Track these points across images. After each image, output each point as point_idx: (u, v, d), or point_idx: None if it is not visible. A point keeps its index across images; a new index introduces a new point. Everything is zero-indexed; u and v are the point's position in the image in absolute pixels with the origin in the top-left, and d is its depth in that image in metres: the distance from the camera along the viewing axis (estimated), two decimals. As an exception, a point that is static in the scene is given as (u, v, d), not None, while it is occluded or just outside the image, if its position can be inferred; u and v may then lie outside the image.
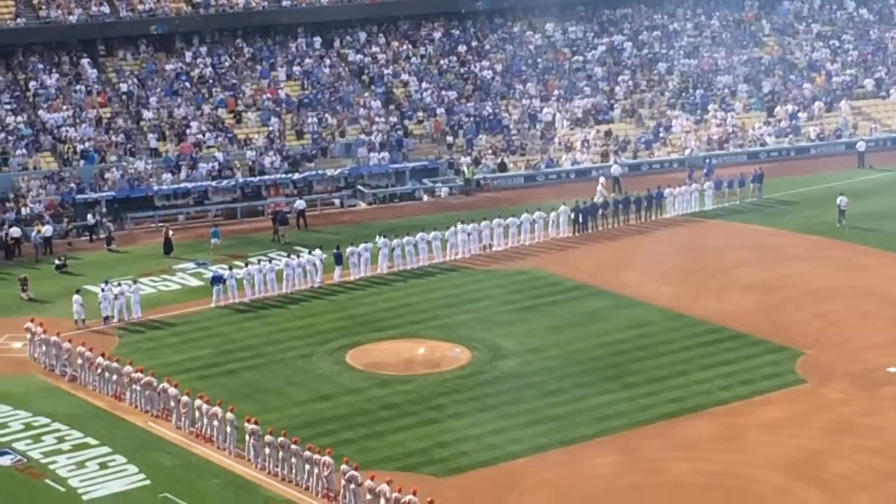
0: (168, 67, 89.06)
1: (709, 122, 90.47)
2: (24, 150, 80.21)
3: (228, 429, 45.71)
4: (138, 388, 49.67)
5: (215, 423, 46.21)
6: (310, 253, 65.07)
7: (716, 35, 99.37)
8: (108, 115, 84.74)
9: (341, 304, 61.54)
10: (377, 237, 66.20)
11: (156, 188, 78.72)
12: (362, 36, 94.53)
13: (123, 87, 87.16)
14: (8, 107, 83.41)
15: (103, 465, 44.93)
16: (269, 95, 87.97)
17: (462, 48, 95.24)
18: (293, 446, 43.43)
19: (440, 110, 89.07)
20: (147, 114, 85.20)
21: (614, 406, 48.66)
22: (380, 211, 79.04)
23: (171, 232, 71.84)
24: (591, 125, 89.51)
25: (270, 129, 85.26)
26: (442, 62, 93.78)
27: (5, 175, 78.53)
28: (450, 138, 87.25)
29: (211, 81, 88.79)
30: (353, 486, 41.06)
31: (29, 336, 55.63)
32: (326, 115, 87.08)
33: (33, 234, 71.74)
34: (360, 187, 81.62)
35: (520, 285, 63.22)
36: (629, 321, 57.54)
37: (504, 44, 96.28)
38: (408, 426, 47.54)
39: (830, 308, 58.61)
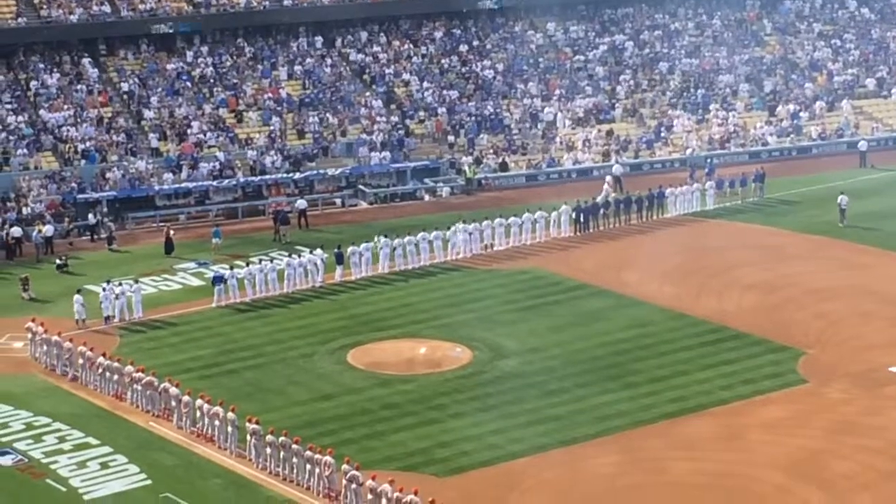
0: (169, 67, 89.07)
1: (710, 122, 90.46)
2: (25, 150, 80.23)
3: (230, 428, 45.70)
4: (139, 387, 49.67)
5: (216, 422, 46.20)
6: (311, 252, 65.07)
7: (717, 34, 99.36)
8: (109, 114, 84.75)
9: (342, 304, 61.53)
10: (377, 238, 66.12)
11: (157, 188, 78.72)
12: (363, 35, 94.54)
13: (124, 86, 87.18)
14: (9, 106, 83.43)
15: (104, 465, 44.92)
16: (270, 95, 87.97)
17: (463, 48, 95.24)
18: (294, 446, 43.41)
19: (441, 110, 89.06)
20: (148, 113, 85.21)
21: (615, 406, 48.64)
22: (381, 210, 79.03)
23: (172, 232, 71.84)
24: (593, 125, 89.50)
25: (272, 128, 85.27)
26: (443, 62, 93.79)
27: (6, 175, 78.56)
28: (451, 138, 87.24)
29: (212, 81, 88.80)
30: (354, 485, 41.04)
31: (30, 336, 55.62)
32: (328, 115, 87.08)
33: (34, 233, 71.74)
34: (361, 187, 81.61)
35: (521, 285, 63.20)
36: (630, 321, 57.53)
37: (505, 43, 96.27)
38: (409, 426, 47.52)
39: (832, 308, 58.58)
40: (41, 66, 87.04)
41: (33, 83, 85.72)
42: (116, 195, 77.64)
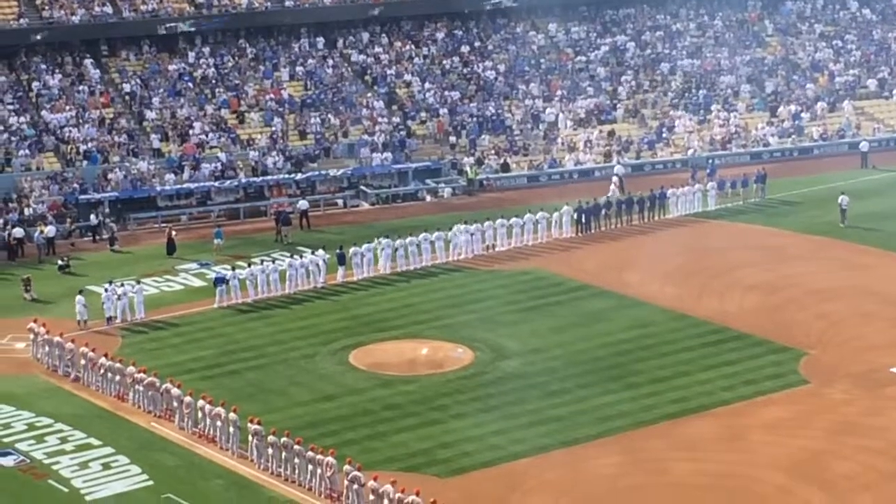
0: (171, 68, 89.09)
1: (712, 123, 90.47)
2: (27, 151, 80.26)
3: (231, 429, 45.73)
4: (141, 388, 49.69)
5: (218, 423, 46.23)
6: (313, 253, 65.09)
7: (719, 35, 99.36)
8: (111, 115, 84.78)
9: (344, 305, 61.55)
10: (377, 239, 66.11)
11: (159, 189, 78.75)
12: (365, 36, 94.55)
13: (126, 87, 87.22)
14: (11, 107, 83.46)
15: (106, 466, 44.94)
16: (272, 96, 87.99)
17: (465, 48, 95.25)
18: (296, 447, 43.43)
19: (443, 111, 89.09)
20: (150, 114, 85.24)
21: (617, 406, 48.66)
22: (383, 211, 79.04)
23: (174, 232, 71.88)
24: (594, 125, 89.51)
25: (273, 129, 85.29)
26: (445, 62, 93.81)
27: (8, 175, 78.59)
28: (453, 139, 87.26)
29: (214, 82, 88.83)
30: (356, 486, 41.07)
31: (32, 336, 55.65)
32: (329, 116, 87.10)
33: (36, 234, 71.76)
34: (362, 188, 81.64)
35: (523, 286, 63.22)
36: (632, 321, 57.54)
37: (507, 44, 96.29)
38: (411, 426, 47.54)
39: (833, 308, 58.59)
40: (43, 66, 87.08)
41: (35, 84, 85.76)
42: (118, 196, 77.69)
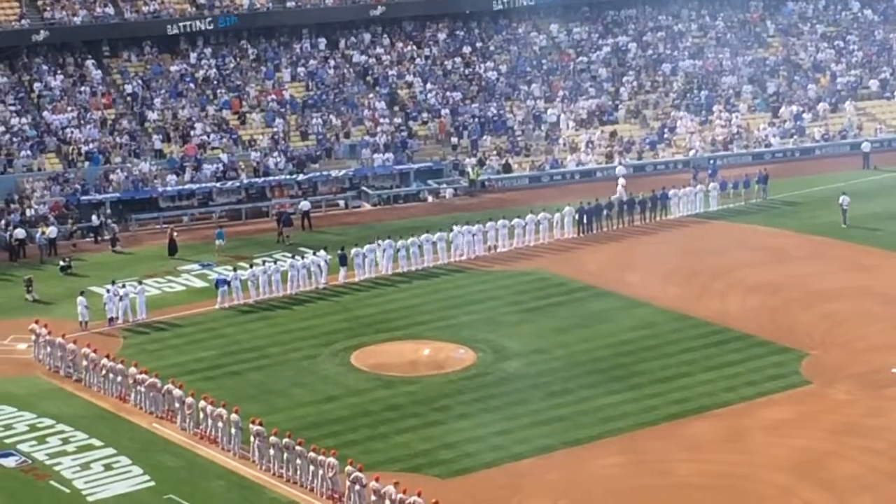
0: (173, 69, 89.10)
1: (713, 123, 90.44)
2: (28, 152, 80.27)
3: (233, 430, 45.73)
4: (143, 389, 49.70)
5: (220, 424, 46.23)
6: (314, 254, 65.10)
7: (720, 36, 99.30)
8: (113, 116, 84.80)
9: (346, 306, 61.55)
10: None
11: (160, 189, 78.76)
12: (367, 37, 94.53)
13: (128, 88, 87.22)
14: (13, 108, 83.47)
15: (108, 467, 44.96)
16: (273, 96, 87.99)
17: (467, 49, 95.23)
18: (298, 447, 43.43)
19: (445, 111, 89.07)
20: (152, 115, 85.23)
21: (619, 407, 48.64)
22: (384, 212, 79.05)
23: (175, 233, 71.90)
24: (596, 126, 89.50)
25: (275, 130, 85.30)
26: (446, 63, 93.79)
27: (10, 176, 78.60)
28: (454, 139, 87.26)
29: (215, 83, 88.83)
30: (357, 487, 41.07)
31: (34, 337, 55.65)
32: (331, 117, 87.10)
33: (38, 235, 71.78)
34: (364, 188, 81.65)
35: (524, 286, 63.21)
36: (634, 322, 57.53)
37: (509, 45, 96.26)
38: (412, 427, 47.54)
39: (835, 309, 58.57)
40: (45, 67, 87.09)
41: (37, 85, 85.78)
42: (120, 197, 77.73)
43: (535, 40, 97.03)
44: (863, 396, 49.26)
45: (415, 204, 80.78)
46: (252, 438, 44.93)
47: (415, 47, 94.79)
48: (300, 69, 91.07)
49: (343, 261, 64.86)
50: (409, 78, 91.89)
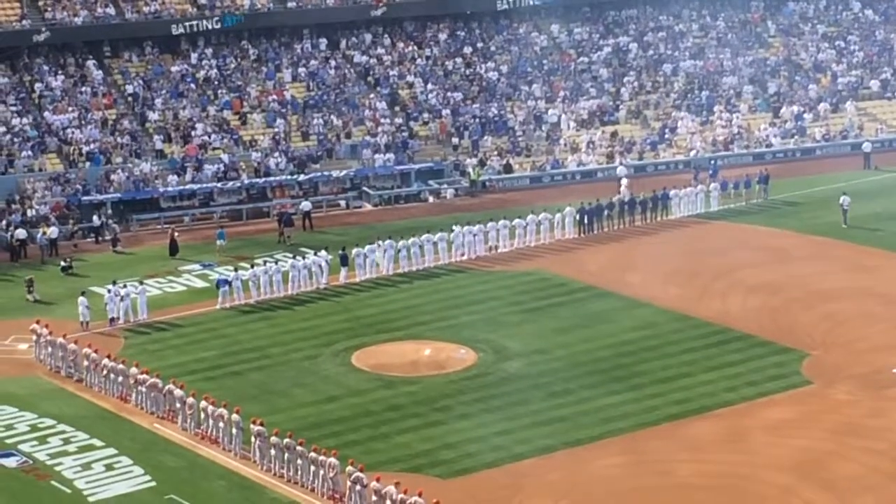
0: (173, 69, 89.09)
1: (714, 124, 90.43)
2: (29, 152, 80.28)
3: (234, 430, 45.74)
4: (144, 389, 49.72)
5: (221, 424, 46.24)
6: (315, 254, 65.11)
7: (721, 36, 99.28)
8: (114, 116, 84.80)
9: (347, 306, 61.56)
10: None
11: (161, 190, 78.78)
12: (368, 37, 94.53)
13: (129, 88, 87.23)
14: (14, 108, 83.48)
15: (109, 467, 44.97)
16: (274, 97, 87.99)
17: (467, 49, 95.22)
18: (299, 448, 43.44)
19: (446, 112, 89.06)
20: (152, 115, 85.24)
21: (620, 407, 48.65)
22: (385, 212, 79.05)
23: (176, 233, 71.92)
24: (597, 126, 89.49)
25: (276, 130, 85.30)
26: (447, 63, 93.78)
27: (11, 177, 78.61)
28: (455, 140, 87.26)
29: (216, 83, 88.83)
30: (358, 487, 41.08)
31: (35, 338, 55.67)
32: (332, 117, 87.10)
33: (39, 235, 71.80)
34: (365, 189, 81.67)
35: (525, 286, 63.21)
36: (635, 322, 57.53)
37: (509, 45, 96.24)
38: (413, 427, 47.55)
39: (836, 309, 58.57)
40: (46, 68, 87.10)
41: (38, 85, 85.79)
42: (121, 197, 77.76)
43: (536, 40, 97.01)
44: (864, 397, 49.26)
45: (416, 204, 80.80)
46: (253, 439, 44.94)
47: (416, 47, 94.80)
48: (301, 69, 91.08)
49: (344, 261, 64.88)
50: (409, 78, 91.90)
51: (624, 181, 77.98)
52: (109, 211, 76.74)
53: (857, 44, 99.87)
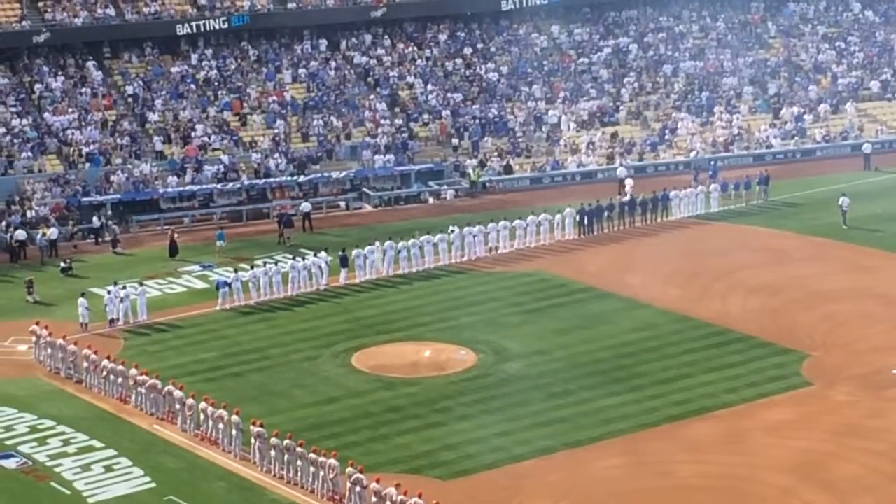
0: (173, 70, 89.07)
1: (714, 124, 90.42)
2: (29, 153, 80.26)
3: (234, 431, 45.72)
4: (143, 390, 49.70)
5: (221, 425, 46.23)
6: (315, 255, 65.10)
7: (721, 37, 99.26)
8: (114, 117, 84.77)
9: (346, 307, 61.55)
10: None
11: (161, 191, 78.76)
12: (368, 38, 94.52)
13: (129, 89, 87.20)
14: (13, 109, 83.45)
15: (109, 468, 44.95)
16: (274, 98, 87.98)
17: (468, 50, 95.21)
18: (299, 449, 43.43)
19: (446, 112, 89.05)
20: (152, 116, 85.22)
21: (620, 408, 48.64)
22: (385, 213, 79.03)
23: (176, 234, 71.91)
24: (597, 127, 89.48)
25: (276, 131, 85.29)
26: (447, 64, 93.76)
27: (10, 178, 78.58)
28: (455, 141, 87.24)
29: (216, 84, 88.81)
30: (358, 488, 41.07)
31: (34, 339, 55.65)
32: (332, 118, 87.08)
33: (38, 236, 71.80)
34: (365, 190, 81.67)
35: (525, 287, 63.21)
36: (635, 323, 57.52)
37: (509, 46, 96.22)
38: (413, 429, 47.54)
39: (836, 310, 58.56)
40: (45, 69, 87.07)
41: (38, 86, 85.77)
42: (121, 198, 77.75)
43: (536, 41, 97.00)
44: (864, 398, 49.26)
45: (416, 205, 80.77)
46: (253, 440, 44.93)
47: (416, 48, 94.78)
48: (301, 70, 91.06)
49: (344, 262, 64.86)
50: (409, 79, 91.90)
51: (629, 181, 78.05)
52: (109, 212, 76.73)
53: (857, 45, 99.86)
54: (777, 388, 50.05)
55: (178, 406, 48.16)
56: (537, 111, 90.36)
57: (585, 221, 71.85)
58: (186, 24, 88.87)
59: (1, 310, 63.04)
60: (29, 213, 75.24)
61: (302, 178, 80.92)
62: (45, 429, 48.30)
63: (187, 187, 79.45)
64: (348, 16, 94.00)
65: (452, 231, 68.03)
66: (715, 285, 62.50)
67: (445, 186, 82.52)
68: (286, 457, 43.76)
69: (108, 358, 52.07)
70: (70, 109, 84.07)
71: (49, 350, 54.63)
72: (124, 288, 60.59)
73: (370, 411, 49.18)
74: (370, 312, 60.49)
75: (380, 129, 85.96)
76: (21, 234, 71.73)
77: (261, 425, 45.06)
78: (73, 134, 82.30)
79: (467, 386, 51.34)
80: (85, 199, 77.17)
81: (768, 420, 47.43)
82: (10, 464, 45.57)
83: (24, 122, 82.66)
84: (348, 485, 41.44)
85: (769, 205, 76.98)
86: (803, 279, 62.81)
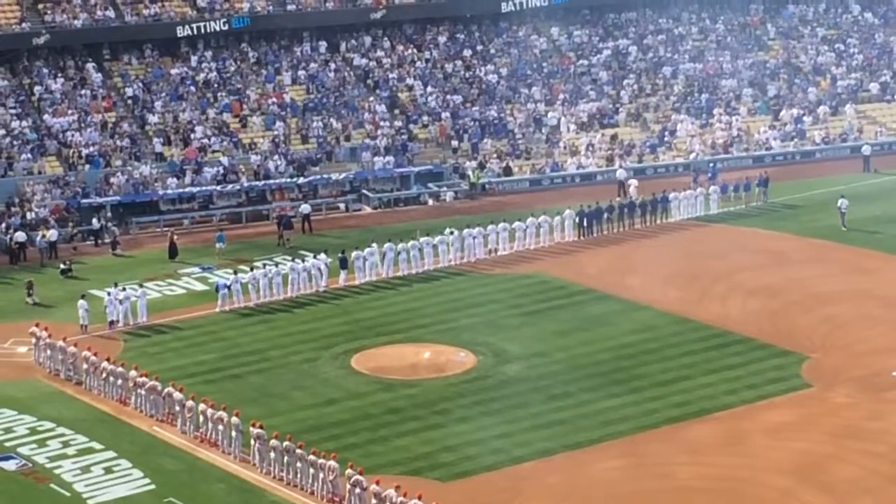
0: (173, 72, 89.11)
1: (714, 126, 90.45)
2: (29, 155, 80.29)
3: (233, 433, 45.72)
4: (143, 392, 49.69)
5: (220, 427, 46.22)
6: (315, 257, 65.11)
7: (721, 39, 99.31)
8: (114, 119, 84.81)
9: (346, 309, 61.55)
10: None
11: (161, 192, 78.78)
12: (367, 40, 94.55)
13: (128, 91, 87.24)
14: (13, 111, 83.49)
15: (108, 470, 44.95)
16: (274, 100, 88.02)
17: (467, 52, 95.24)
18: (298, 451, 43.44)
19: (445, 114, 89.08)
20: (152, 118, 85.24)
21: (620, 410, 48.63)
22: (385, 215, 79.03)
23: (176, 236, 71.90)
24: (597, 129, 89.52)
25: (275, 133, 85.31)
26: (447, 66, 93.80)
27: (10, 179, 78.62)
28: (455, 142, 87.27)
29: (216, 86, 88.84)
30: (358, 490, 41.07)
31: (34, 340, 55.64)
32: (331, 120, 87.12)
33: (38, 238, 71.81)
34: (365, 191, 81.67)
35: (525, 289, 63.21)
36: (634, 325, 57.52)
37: (509, 48, 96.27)
38: (413, 430, 47.54)
39: (836, 312, 58.57)
40: (45, 70, 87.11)
41: (37, 88, 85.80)
42: (120, 200, 77.77)
43: (536, 43, 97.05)
44: (863, 399, 49.25)
45: (415, 207, 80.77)
46: (252, 442, 44.93)
47: (415, 50, 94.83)
48: (301, 72, 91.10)
49: (343, 264, 64.87)
50: (409, 81, 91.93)
51: (633, 182, 78.10)
52: (109, 214, 76.75)
53: (856, 47, 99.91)
54: (776, 390, 50.04)
55: (177, 408, 48.16)
56: (537, 113, 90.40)
57: (585, 223, 71.86)
58: (186, 26, 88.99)
59: (1, 311, 63.05)
60: (29, 215, 75.26)
61: (301, 180, 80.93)
62: (45, 430, 48.30)
63: (187, 189, 79.47)
64: (348, 18, 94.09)
65: (452, 233, 68.04)
66: (714, 287, 62.51)
67: (445, 188, 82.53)
68: (286, 458, 43.76)
69: (108, 360, 52.07)
70: (70, 111, 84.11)
71: (49, 352, 54.63)
72: (124, 290, 60.62)
73: (370, 413, 49.18)
74: (370, 314, 60.50)
75: (379, 131, 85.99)
76: (21, 236, 71.72)
77: (260, 427, 45.07)
78: (72, 136, 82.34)
79: (467, 388, 51.34)
80: (85, 200, 77.19)
81: (768, 422, 47.42)
82: (10, 465, 45.57)
83: (24, 123, 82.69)
84: (348, 486, 41.44)
85: (768, 207, 77.00)
86: (803, 281, 62.83)
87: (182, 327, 59.58)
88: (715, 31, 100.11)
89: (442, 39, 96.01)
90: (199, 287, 65.40)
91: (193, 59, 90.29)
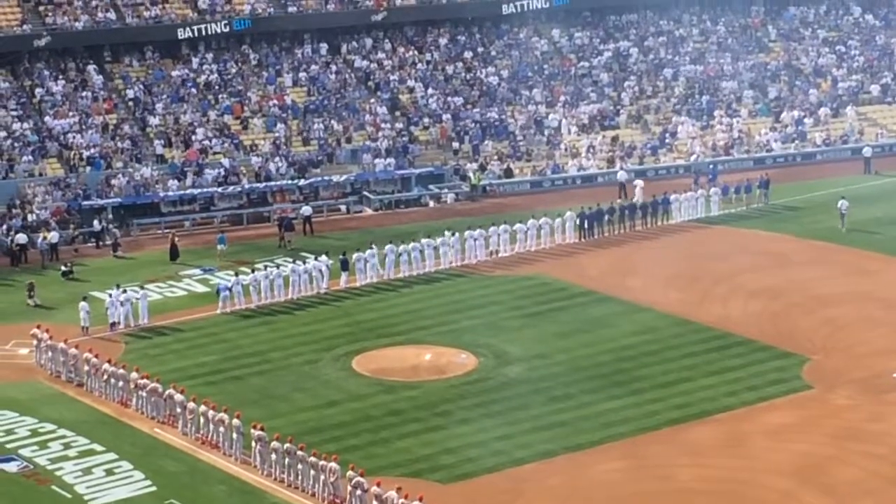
0: (174, 74, 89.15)
1: (714, 128, 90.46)
2: (30, 157, 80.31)
3: (234, 435, 45.73)
4: (144, 394, 49.72)
5: (221, 429, 46.24)
6: (316, 259, 65.12)
7: (721, 41, 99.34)
8: (114, 121, 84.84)
9: (347, 310, 61.56)
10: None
11: (162, 194, 78.79)
12: (368, 42, 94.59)
13: (129, 93, 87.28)
14: (14, 113, 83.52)
15: (109, 472, 44.96)
16: (275, 101, 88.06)
17: (468, 54, 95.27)
18: (299, 452, 43.45)
19: (446, 116, 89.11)
20: (153, 120, 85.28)
21: (620, 412, 48.63)
22: (386, 217, 79.04)
23: (177, 238, 71.89)
24: (597, 131, 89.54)
25: (276, 135, 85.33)
26: (448, 68, 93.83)
27: (11, 181, 78.63)
28: (455, 144, 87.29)
29: (217, 88, 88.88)
30: (359, 492, 41.08)
31: (35, 342, 55.67)
32: (332, 122, 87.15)
33: (39, 240, 71.83)
34: (366, 193, 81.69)
35: (526, 291, 63.22)
36: (635, 327, 57.53)
37: (510, 50, 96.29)
38: (414, 432, 47.54)
39: (837, 314, 58.57)
40: (46, 72, 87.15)
41: (38, 90, 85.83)
42: (121, 202, 77.79)
43: (537, 45, 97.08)
44: (864, 401, 49.26)
45: (416, 209, 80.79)
46: (253, 443, 44.94)
47: (416, 52, 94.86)
48: (302, 74, 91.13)
49: (344, 265, 64.88)
50: (410, 83, 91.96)
51: (638, 183, 78.17)
52: (110, 216, 76.76)
53: (857, 48, 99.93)
54: (777, 392, 50.05)
55: (178, 409, 48.18)
56: (538, 115, 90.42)
57: (586, 225, 71.86)
58: (187, 28, 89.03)
59: (2, 313, 63.08)
60: (30, 217, 75.28)
61: (302, 182, 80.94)
62: (46, 432, 48.31)
63: (188, 191, 79.48)
64: (349, 20, 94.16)
65: (453, 235, 68.04)
66: (715, 289, 62.53)
67: (446, 190, 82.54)
68: (287, 460, 43.78)
69: (109, 361, 52.09)
70: (71, 113, 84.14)
71: (50, 353, 54.66)
72: (125, 291, 60.65)
73: (371, 415, 49.20)
74: (371, 316, 60.51)
75: (380, 133, 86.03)
76: (22, 238, 71.77)
77: (261, 429, 45.08)
78: (73, 138, 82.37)
79: (468, 389, 51.35)
80: (86, 202, 77.21)
81: (768, 424, 47.43)
82: (11, 467, 45.58)
83: (25, 125, 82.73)
84: (349, 488, 41.45)
85: (769, 208, 77.00)
86: (804, 283, 62.84)
87: (183, 329, 59.61)
88: (716, 33, 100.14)
89: (443, 41, 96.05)
90: (201, 289, 65.42)
91: (194, 61, 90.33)
